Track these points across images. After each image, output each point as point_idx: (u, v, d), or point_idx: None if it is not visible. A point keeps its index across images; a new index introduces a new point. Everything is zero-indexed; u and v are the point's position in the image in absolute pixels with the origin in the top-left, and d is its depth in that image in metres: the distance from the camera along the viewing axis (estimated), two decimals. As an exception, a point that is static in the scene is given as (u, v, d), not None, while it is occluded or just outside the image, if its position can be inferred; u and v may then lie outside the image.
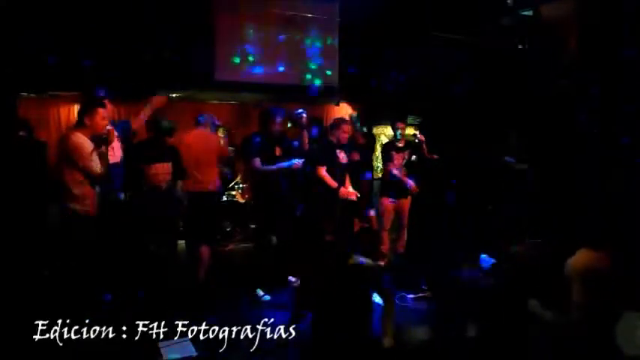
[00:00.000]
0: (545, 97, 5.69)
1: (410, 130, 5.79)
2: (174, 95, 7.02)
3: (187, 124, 5.05)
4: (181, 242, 4.78)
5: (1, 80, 4.94)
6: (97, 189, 3.69)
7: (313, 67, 7.10)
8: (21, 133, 4.72)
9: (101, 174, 3.59)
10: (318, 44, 7.09)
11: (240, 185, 6.74)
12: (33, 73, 5.52)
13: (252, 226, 6.00)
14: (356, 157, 5.21)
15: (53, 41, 5.46)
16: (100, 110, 3.62)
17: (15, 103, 5.24)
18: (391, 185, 5.22)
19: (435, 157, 5.39)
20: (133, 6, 5.77)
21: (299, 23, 6.90)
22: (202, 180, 4.43)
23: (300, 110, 4.82)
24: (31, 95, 6.22)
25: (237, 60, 6.71)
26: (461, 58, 6.78)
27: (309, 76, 7.10)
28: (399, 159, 5.18)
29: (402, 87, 7.07)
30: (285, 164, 4.39)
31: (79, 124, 3.61)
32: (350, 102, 8.10)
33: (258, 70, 6.82)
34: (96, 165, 3.55)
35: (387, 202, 5.23)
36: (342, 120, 4.78)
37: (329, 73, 7.17)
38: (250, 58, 6.80)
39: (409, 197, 5.29)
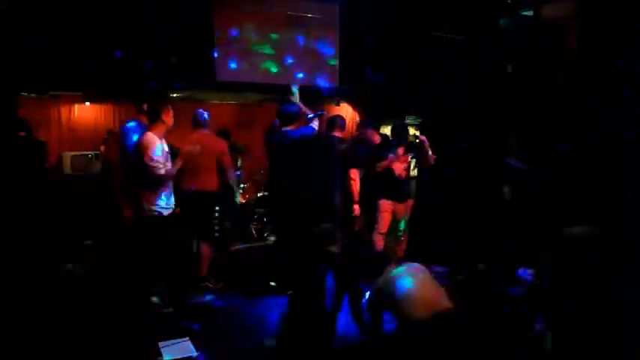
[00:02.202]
0: (544, 97, 5.68)
1: (410, 131, 5.73)
2: (174, 95, 7.02)
3: (188, 124, 5.03)
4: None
5: (1, 80, 4.94)
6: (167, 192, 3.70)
7: (314, 66, 7.08)
8: (21, 133, 4.72)
9: (163, 176, 3.59)
10: (317, 44, 7.08)
11: (242, 185, 6.72)
12: (33, 73, 5.51)
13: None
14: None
15: (53, 41, 5.45)
16: (171, 107, 3.75)
17: (15, 103, 5.23)
18: (390, 186, 5.14)
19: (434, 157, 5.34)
20: (133, 6, 5.76)
21: (299, 23, 6.89)
22: (199, 181, 4.43)
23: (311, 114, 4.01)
24: (31, 95, 6.22)
25: (237, 60, 6.69)
26: (461, 58, 6.77)
27: (308, 76, 7.08)
28: (403, 160, 5.08)
29: (401, 87, 7.05)
30: None
31: (153, 122, 3.68)
32: (350, 102, 8.10)
33: (258, 70, 6.80)
34: (159, 167, 3.55)
35: (386, 204, 5.09)
36: None
37: (329, 72, 7.15)
38: (250, 59, 6.78)
39: (409, 200, 5.23)
